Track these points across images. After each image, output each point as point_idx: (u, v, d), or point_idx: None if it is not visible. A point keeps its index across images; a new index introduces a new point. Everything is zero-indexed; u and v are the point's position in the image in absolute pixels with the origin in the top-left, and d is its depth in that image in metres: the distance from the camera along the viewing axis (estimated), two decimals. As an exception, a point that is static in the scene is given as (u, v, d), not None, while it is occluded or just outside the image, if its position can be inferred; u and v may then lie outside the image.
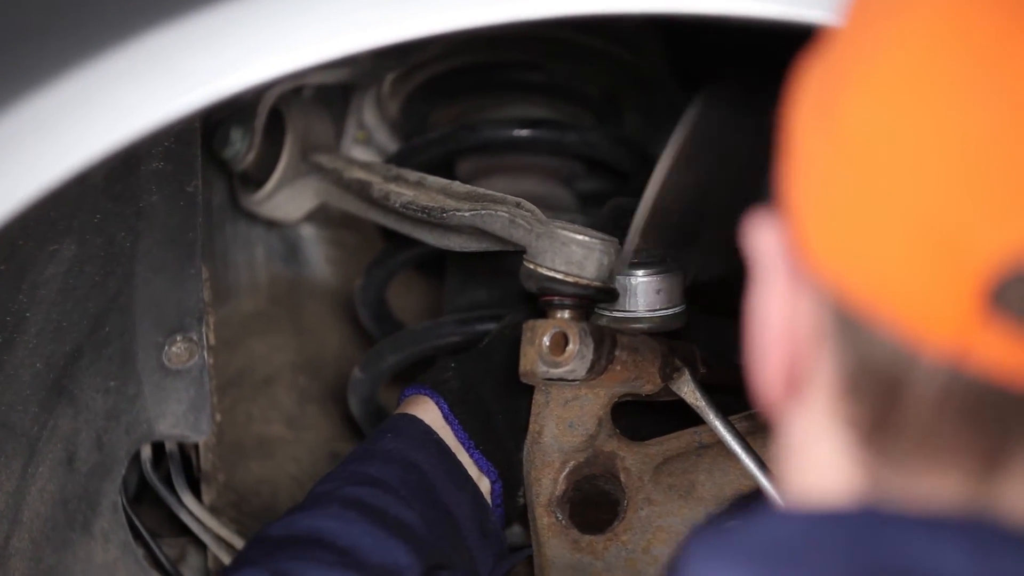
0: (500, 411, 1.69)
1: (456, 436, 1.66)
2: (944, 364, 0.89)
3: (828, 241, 0.92)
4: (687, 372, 1.65)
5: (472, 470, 1.67)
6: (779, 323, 0.98)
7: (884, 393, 0.91)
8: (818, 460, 0.97)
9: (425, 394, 1.69)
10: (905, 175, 0.88)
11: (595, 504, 1.68)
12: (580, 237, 1.61)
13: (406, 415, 1.69)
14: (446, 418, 1.67)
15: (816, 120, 0.94)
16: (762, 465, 1.61)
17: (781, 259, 0.97)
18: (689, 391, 1.65)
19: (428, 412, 1.68)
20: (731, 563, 0.93)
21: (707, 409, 1.64)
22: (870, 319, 0.90)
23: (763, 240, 0.98)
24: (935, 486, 0.92)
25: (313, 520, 1.54)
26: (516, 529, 1.81)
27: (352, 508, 1.55)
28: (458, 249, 1.79)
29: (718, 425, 1.62)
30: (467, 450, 1.66)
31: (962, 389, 0.89)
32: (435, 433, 1.66)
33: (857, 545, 0.91)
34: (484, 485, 1.68)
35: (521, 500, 1.70)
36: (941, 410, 0.90)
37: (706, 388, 1.66)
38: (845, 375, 0.93)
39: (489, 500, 1.68)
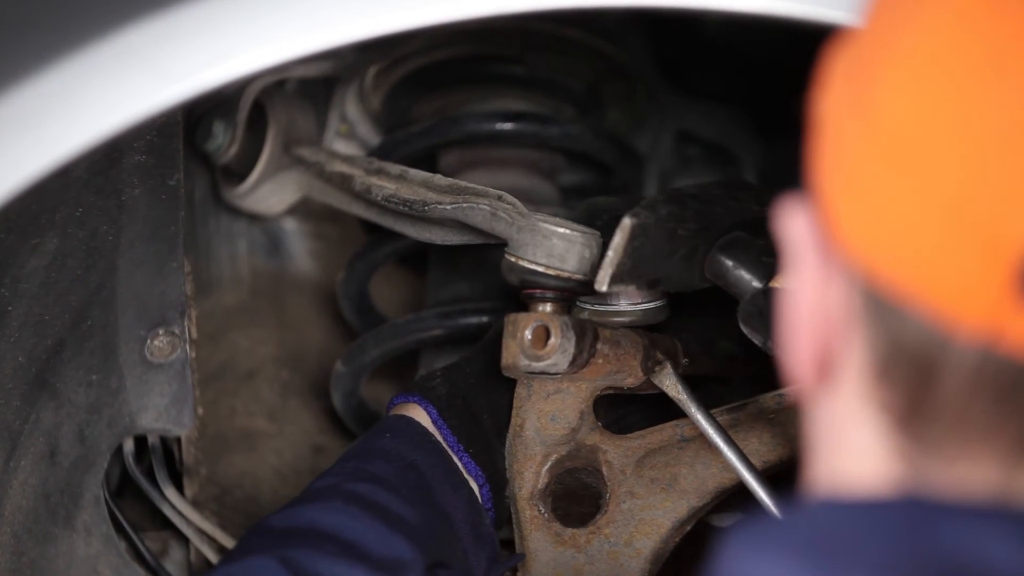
0: (486, 411, 1.69)
1: (445, 440, 1.66)
2: (977, 346, 0.89)
3: (859, 224, 0.93)
4: (669, 365, 1.66)
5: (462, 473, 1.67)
6: (810, 307, 0.98)
7: (917, 376, 0.92)
8: (851, 445, 0.97)
9: (414, 401, 1.69)
10: (938, 159, 0.89)
11: (577, 497, 1.68)
12: (561, 230, 1.61)
13: (402, 416, 1.68)
14: (435, 423, 1.66)
15: (846, 106, 0.95)
16: (743, 458, 1.61)
17: (812, 243, 0.97)
18: (671, 384, 1.65)
19: (419, 418, 1.67)
20: (779, 556, 0.93)
21: (688, 402, 1.64)
22: (902, 301, 0.91)
23: (793, 225, 0.99)
24: (969, 472, 0.92)
25: (316, 513, 1.54)
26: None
27: (354, 504, 1.54)
28: (440, 242, 1.79)
29: (700, 419, 1.62)
30: (456, 454, 1.66)
31: (994, 371, 0.90)
32: (432, 435, 1.66)
33: (906, 537, 0.91)
34: (473, 488, 1.67)
35: (508, 499, 1.70)
36: (974, 392, 0.90)
37: (689, 380, 1.67)
38: (877, 358, 0.94)
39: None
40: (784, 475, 1.68)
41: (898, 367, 0.93)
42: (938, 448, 0.93)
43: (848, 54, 0.97)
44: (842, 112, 0.95)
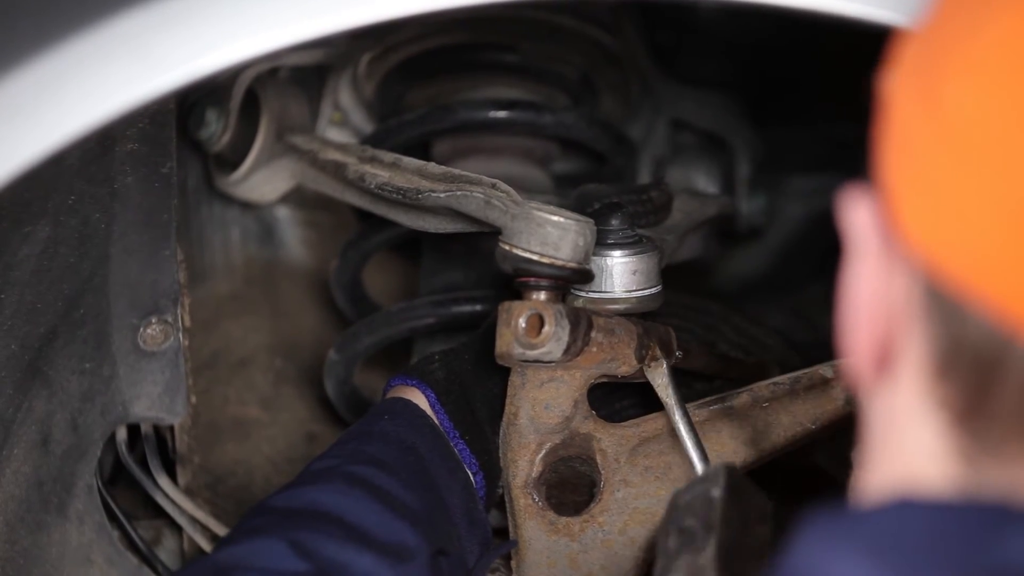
0: (480, 399, 1.69)
1: (442, 425, 1.66)
2: None
3: (924, 219, 0.92)
4: (664, 364, 1.65)
5: None
6: (871, 300, 0.97)
7: (978, 374, 0.91)
8: (911, 442, 0.96)
9: (412, 384, 1.68)
10: (1008, 159, 0.89)
11: (571, 486, 1.68)
12: (555, 218, 1.60)
13: (400, 399, 1.68)
14: (433, 407, 1.66)
15: (915, 99, 0.94)
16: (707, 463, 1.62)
17: (875, 236, 0.97)
18: (661, 384, 1.65)
19: (416, 401, 1.67)
20: (856, 555, 0.92)
21: (674, 408, 1.64)
22: (965, 298, 0.90)
23: (857, 217, 0.98)
24: None
25: (318, 495, 1.53)
26: (493, 512, 1.81)
27: (357, 486, 1.54)
28: (433, 230, 1.78)
29: (681, 428, 1.62)
30: (451, 440, 1.66)
31: None
32: (430, 418, 1.66)
33: (980, 544, 0.90)
34: (468, 474, 1.67)
35: (501, 490, 1.70)
36: None
37: (683, 373, 1.66)
38: (938, 354, 0.93)
39: None
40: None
41: (958, 364, 0.92)
42: (998, 448, 0.92)
43: (917, 46, 0.96)
44: (911, 105, 0.94)
